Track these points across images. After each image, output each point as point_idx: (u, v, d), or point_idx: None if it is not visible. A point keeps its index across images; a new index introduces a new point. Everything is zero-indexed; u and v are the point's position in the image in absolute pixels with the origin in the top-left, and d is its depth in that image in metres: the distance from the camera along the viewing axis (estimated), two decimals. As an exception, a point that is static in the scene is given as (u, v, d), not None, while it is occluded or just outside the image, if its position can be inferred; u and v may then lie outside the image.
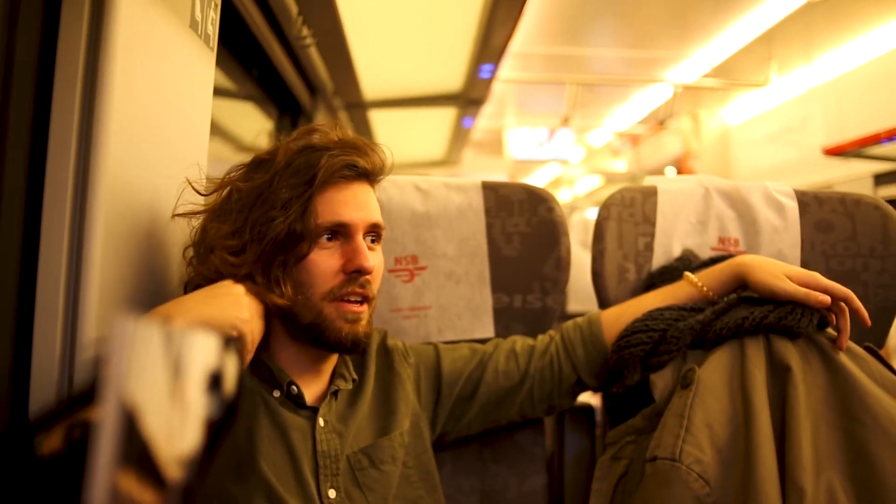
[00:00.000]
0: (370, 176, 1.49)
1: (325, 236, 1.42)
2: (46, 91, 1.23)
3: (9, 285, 1.19)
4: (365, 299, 1.43)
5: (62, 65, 1.23)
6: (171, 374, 0.58)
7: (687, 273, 1.71)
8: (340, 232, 1.43)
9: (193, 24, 1.56)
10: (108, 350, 0.53)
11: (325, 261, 1.41)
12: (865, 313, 1.51)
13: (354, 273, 1.40)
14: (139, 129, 1.35)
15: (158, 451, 0.55)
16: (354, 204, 1.43)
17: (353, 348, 1.43)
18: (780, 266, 1.59)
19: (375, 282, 1.46)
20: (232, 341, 1.17)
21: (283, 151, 1.45)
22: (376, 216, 1.47)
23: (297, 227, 1.39)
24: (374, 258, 1.44)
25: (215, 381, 0.65)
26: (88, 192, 1.21)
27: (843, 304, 1.53)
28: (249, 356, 1.30)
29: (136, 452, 0.53)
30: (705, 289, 1.67)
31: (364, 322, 1.43)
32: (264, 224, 1.40)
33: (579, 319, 1.75)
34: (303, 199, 1.40)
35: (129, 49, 1.28)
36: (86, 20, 1.23)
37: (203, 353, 0.64)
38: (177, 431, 0.59)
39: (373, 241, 1.48)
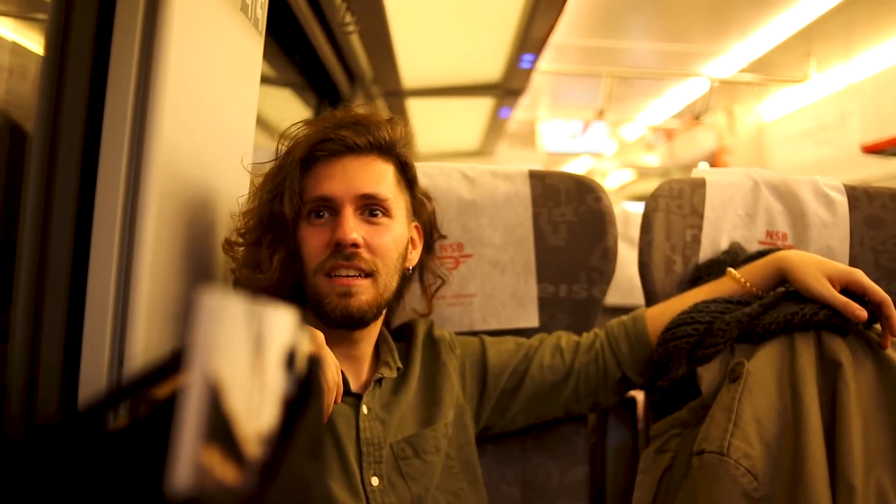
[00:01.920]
0: (368, 149, 1.47)
1: (316, 212, 1.42)
2: (102, 73, 1.23)
3: (61, 271, 1.20)
4: (361, 272, 1.40)
5: (118, 47, 1.23)
6: (253, 351, 0.57)
7: (730, 269, 1.70)
8: (329, 206, 1.42)
9: (244, 8, 1.56)
10: (192, 323, 0.53)
11: (315, 236, 1.41)
12: (895, 322, 1.49)
13: (337, 245, 1.38)
14: (192, 111, 1.35)
15: (240, 427, 0.55)
16: (341, 177, 1.42)
17: (346, 323, 1.41)
18: (821, 265, 1.56)
19: (379, 255, 1.42)
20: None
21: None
22: (367, 187, 1.43)
23: (286, 205, 1.40)
24: (371, 231, 1.42)
25: (290, 359, 0.65)
26: (141, 175, 1.21)
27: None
28: (333, 381, 1.20)
29: (219, 428, 0.53)
30: (748, 284, 1.65)
31: (363, 297, 1.40)
32: (263, 206, 1.43)
33: (624, 317, 1.74)
34: (290, 177, 1.42)
35: (184, 31, 1.28)
36: (142, 2, 1.23)
37: (282, 330, 0.64)
38: (256, 408, 0.59)
39: (373, 215, 1.44)
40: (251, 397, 0.57)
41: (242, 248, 1.45)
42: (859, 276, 1.52)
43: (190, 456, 0.50)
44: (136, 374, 0.69)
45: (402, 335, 1.68)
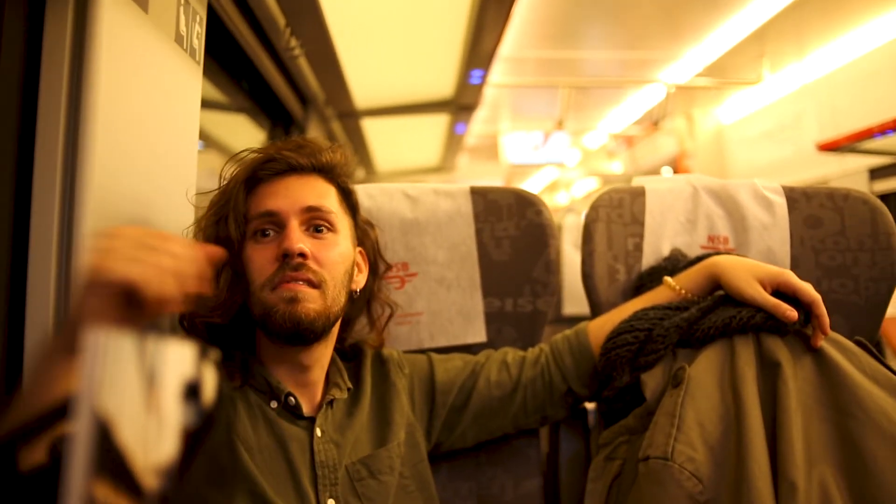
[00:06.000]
0: (310, 169, 1.49)
1: (262, 230, 1.43)
2: (31, 106, 1.23)
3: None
4: (310, 283, 1.39)
5: (46, 81, 1.23)
6: (144, 385, 0.58)
7: (666, 277, 1.73)
8: (274, 222, 1.43)
9: (179, 39, 1.56)
10: (81, 362, 0.53)
11: (261, 253, 1.41)
12: (826, 322, 1.51)
13: (284, 257, 1.37)
14: (125, 143, 1.35)
15: (134, 460, 0.56)
16: (285, 193, 1.44)
17: (295, 331, 1.37)
18: (751, 268, 1.59)
19: (326, 268, 1.42)
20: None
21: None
22: (312, 200, 1.44)
23: (230, 226, 1.41)
24: (317, 245, 1.42)
25: (191, 390, 0.66)
26: (76, 208, 1.21)
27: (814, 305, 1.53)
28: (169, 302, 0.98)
29: (112, 462, 0.53)
30: (683, 291, 1.68)
31: (311, 304, 1.37)
32: (207, 230, 1.44)
33: (568, 331, 1.76)
34: (234, 199, 1.43)
35: (113, 64, 1.28)
36: (69, 36, 1.23)
37: (178, 362, 0.64)
38: (152, 441, 0.59)
39: (318, 230, 1.45)
40: (146, 431, 0.58)
41: None
42: (789, 277, 1.55)
43: (79, 492, 0.51)
44: (43, 412, 0.70)
45: (350, 355, 1.68)
